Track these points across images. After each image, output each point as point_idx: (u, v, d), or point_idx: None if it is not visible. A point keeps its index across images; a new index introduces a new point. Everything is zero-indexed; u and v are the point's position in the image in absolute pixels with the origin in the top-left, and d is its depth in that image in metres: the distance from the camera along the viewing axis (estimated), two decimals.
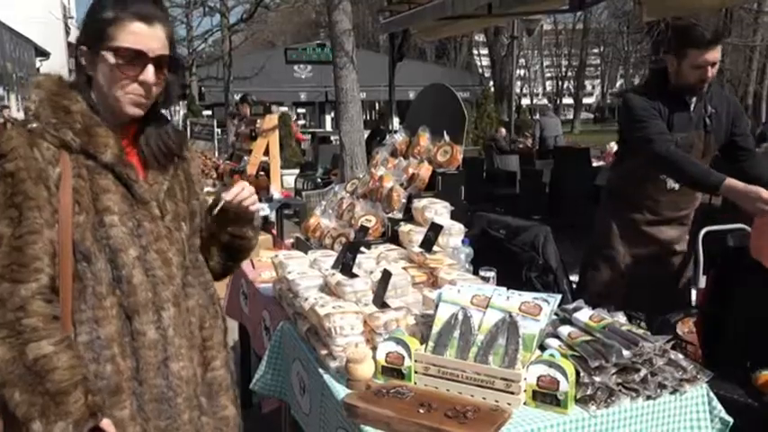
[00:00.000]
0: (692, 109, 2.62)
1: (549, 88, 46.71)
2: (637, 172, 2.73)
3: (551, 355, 1.65)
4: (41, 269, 1.20)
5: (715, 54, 2.50)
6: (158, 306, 1.30)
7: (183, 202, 1.43)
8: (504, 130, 13.17)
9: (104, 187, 1.28)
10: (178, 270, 1.35)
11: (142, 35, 1.29)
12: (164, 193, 1.37)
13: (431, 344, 1.76)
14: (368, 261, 2.36)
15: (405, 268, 2.35)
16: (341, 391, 1.77)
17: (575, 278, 3.39)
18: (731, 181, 2.39)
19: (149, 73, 1.30)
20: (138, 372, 1.28)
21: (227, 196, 1.51)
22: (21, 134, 1.23)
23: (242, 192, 1.52)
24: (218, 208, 1.51)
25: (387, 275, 2.11)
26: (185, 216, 1.42)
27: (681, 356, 1.80)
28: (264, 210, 5.25)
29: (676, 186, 2.67)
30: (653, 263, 2.77)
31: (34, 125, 1.25)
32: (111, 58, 1.28)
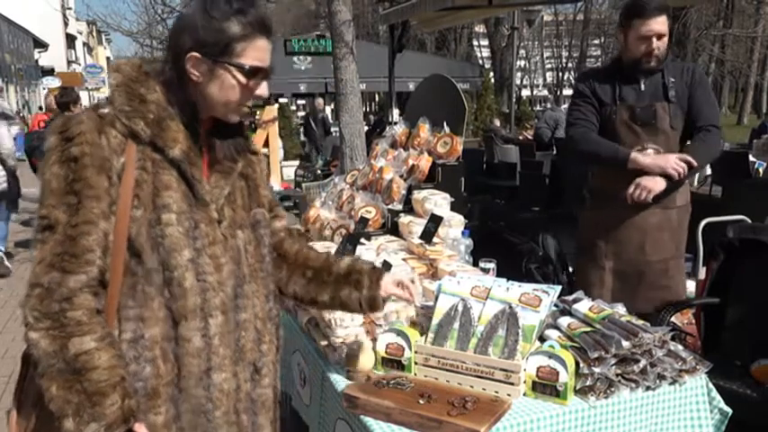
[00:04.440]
0: (642, 82, 2.64)
1: (549, 79, 46.60)
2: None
3: (551, 346, 1.66)
4: (93, 261, 1.16)
5: (660, 25, 2.53)
6: (206, 313, 1.26)
7: (243, 209, 1.38)
8: (498, 122, 13.11)
9: (167, 183, 1.24)
10: (229, 278, 1.30)
11: (265, 50, 1.28)
12: (224, 198, 1.32)
13: (431, 335, 1.76)
14: (368, 252, 2.36)
15: (405, 259, 2.35)
16: (341, 382, 1.78)
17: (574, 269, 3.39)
18: (636, 155, 2.53)
19: (265, 88, 1.30)
20: (180, 379, 1.24)
21: (398, 292, 1.63)
22: (91, 119, 1.20)
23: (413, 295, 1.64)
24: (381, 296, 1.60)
25: (387, 267, 2.11)
26: (243, 224, 1.37)
27: (680, 347, 1.80)
28: None
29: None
30: (638, 254, 2.70)
31: (106, 110, 1.22)
32: (239, 75, 1.25)
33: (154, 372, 1.22)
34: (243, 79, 1.26)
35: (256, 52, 1.26)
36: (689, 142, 2.67)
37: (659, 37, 2.54)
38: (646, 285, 2.70)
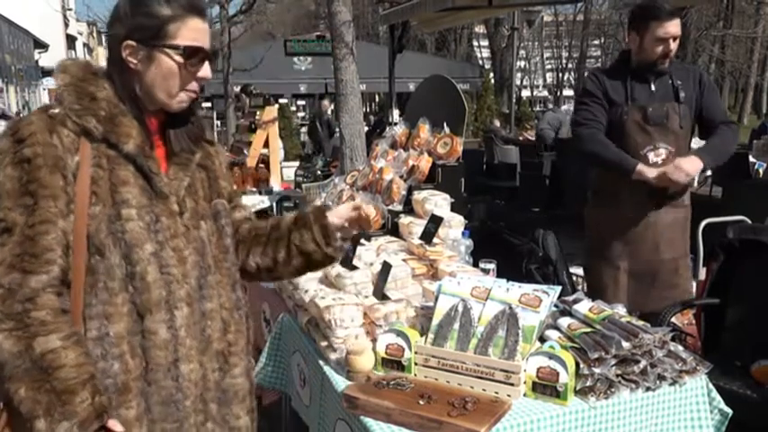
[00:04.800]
0: (652, 83, 2.68)
1: (549, 80, 46.58)
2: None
3: (551, 347, 1.66)
4: (53, 260, 1.16)
5: (675, 27, 2.60)
6: (171, 305, 1.26)
7: (204, 200, 1.38)
8: (498, 122, 13.09)
9: (123, 179, 1.24)
10: (193, 269, 1.31)
11: (200, 31, 1.28)
12: (184, 190, 1.32)
13: (431, 336, 1.76)
14: (368, 253, 2.36)
15: (405, 260, 2.35)
16: (341, 382, 1.77)
17: (574, 270, 3.39)
18: (642, 167, 2.55)
19: (207, 69, 1.30)
20: (148, 372, 1.24)
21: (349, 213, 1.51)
22: (41, 119, 1.20)
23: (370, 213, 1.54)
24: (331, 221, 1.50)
25: (387, 267, 2.11)
26: (205, 215, 1.37)
27: (680, 348, 1.80)
28: (264, 202, 5.25)
29: (659, 161, 2.65)
30: (653, 253, 2.73)
31: (56, 110, 1.22)
32: (176, 57, 1.26)
33: (122, 367, 1.22)
34: (180, 60, 1.26)
35: (191, 32, 1.26)
36: (694, 144, 2.72)
37: (674, 39, 2.61)
38: (659, 284, 2.73)
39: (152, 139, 1.30)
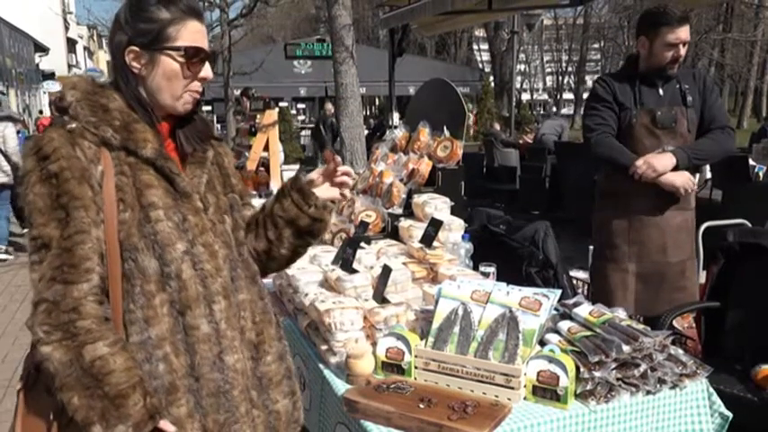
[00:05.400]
0: (661, 87, 2.71)
1: (549, 83, 46.62)
2: None
3: (551, 351, 1.65)
4: (92, 269, 1.18)
5: (685, 33, 2.63)
6: (209, 300, 1.29)
7: (222, 194, 1.42)
8: (498, 125, 13.09)
9: (147, 182, 1.26)
10: (225, 263, 1.34)
11: (199, 33, 1.32)
12: (204, 186, 1.36)
13: (431, 339, 1.76)
14: (368, 256, 2.36)
15: (405, 264, 2.35)
16: (341, 386, 1.77)
17: (574, 273, 3.39)
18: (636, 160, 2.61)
19: (209, 69, 1.34)
20: (194, 368, 1.27)
21: (322, 172, 1.50)
22: (61, 135, 1.22)
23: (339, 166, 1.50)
24: (307, 180, 1.48)
25: (387, 271, 2.11)
26: (226, 209, 1.41)
27: (681, 351, 1.80)
28: None
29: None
30: (660, 255, 2.74)
31: (73, 125, 1.24)
32: (177, 58, 1.29)
33: (167, 368, 1.24)
34: (182, 61, 1.29)
35: (190, 34, 1.30)
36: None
37: (684, 44, 2.64)
38: (666, 287, 2.74)
39: (165, 143, 1.33)
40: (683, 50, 2.64)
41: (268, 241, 1.51)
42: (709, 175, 8.01)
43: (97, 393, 1.14)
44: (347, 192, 1.57)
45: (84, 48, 52.86)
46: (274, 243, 1.52)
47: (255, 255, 1.51)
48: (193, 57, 1.30)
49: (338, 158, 1.54)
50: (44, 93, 29.69)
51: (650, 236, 2.72)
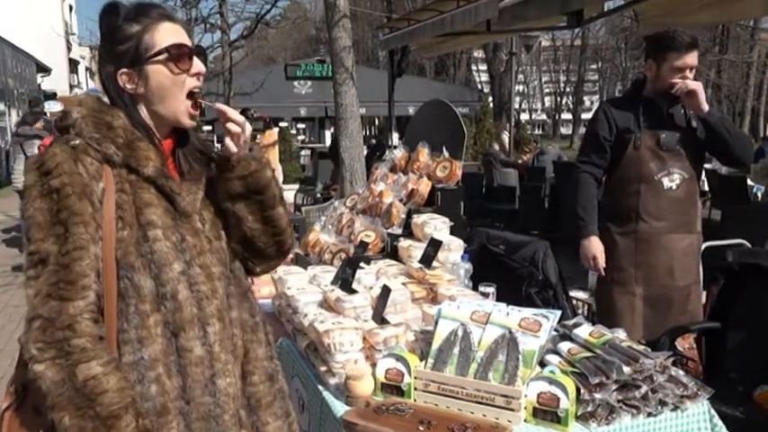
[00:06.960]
0: (665, 111, 2.72)
1: (547, 104, 46.94)
2: (626, 174, 2.76)
3: (551, 372, 1.65)
4: (89, 286, 1.18)
5: (693, 59, 2.64)
6: (204, 321, 1.28)
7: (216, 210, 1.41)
8: (497, 146, 13.12)
9: (147, 201, 1.27)
10: (220, 282, 1.33)
11: (175, 30, 1.32)
12: (200, 203, 1.36)
13: (430, 360, 1.75)
14: (367, 277, 2.36)
15: (404, 284, 2.34)
16: (340, 408, 1.76)
17: (574, 293, 3.37)
18: (592, 241, 2.76)
19: (199, 64, 1.33)
20: (185, 390, 1.25)
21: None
22: (64, 150, 1.22)
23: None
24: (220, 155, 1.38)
25: (386, 291, 2.11)
26: (221, 224, 1.40)
27: (681, 373, 1.79)
28: None
29: (673, 186, 2.69)
30: (668, 279, 2.73)
31: (77, 141, 1.25)
32: (163, 61, 1.29)
33: (159, 389, 1.23)
34: (170, 64, 1.29)
35: (167, 34, 1.30)
36: (708, 166, 2.80)
37: (691, 69, 2.65)
38: (674, 311, 2.73)
39: (167, 161, 1.33)
40: (690, 75, 2.64)
41: (235, 227, 1.40)
42: (706, 186, 8.03)
43: (89, 414, 1.13)
44: (234, 127, 1.36)
45: (87, 68, 53.24)
46: (242, 223, 1.40)
47: (243, 255, 1.43)
48: (178, 56, 1.30)
49: (224, 108, 1.39)
50: (46, 113, 29.77)
51: (658, 258, 2.72)
